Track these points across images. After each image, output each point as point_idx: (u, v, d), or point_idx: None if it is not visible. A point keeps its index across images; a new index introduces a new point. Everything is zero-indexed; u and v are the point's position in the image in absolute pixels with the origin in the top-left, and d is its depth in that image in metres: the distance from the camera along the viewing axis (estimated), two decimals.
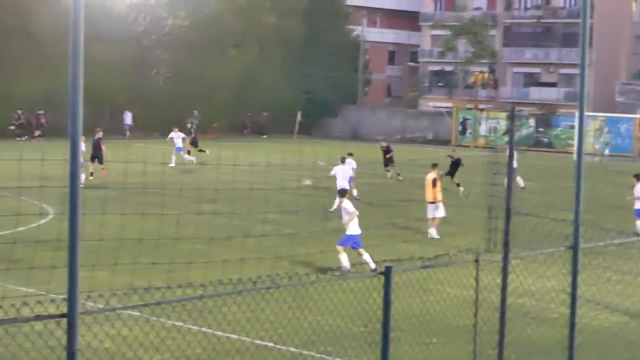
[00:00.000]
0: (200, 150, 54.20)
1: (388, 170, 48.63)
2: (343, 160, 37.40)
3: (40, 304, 9.16)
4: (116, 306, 9.14)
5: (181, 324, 15.99)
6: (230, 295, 10.16)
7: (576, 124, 13.09)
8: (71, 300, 7.61)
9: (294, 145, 61.94)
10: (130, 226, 22.28)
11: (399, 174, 48.07)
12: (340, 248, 23.50)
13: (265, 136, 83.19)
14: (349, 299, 15.88)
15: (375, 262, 22.72)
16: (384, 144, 49.76)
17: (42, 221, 28.63)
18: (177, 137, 52.60)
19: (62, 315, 7.67)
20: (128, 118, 77.26)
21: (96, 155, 42.37)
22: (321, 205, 34.78)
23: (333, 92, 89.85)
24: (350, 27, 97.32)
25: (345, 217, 24.04)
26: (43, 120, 70.60)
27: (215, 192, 29.98)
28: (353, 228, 23.52)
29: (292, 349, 16.17)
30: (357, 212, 23.89)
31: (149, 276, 19.35)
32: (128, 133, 75.83)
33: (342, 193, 25.28)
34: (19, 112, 70.82)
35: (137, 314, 15.98)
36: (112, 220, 22.08)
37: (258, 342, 16.02)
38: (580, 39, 12.46)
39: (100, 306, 9.69)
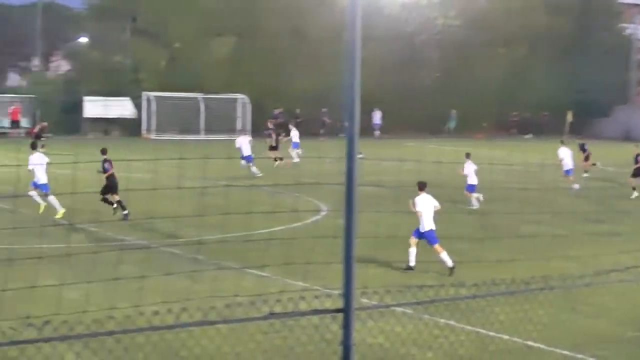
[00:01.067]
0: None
1: (634, 188, 38.47)
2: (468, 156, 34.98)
3: (316, 299, 9.39)
4: (390, 303, 9.24)
5: (453, 322, 15.96)
6: (502, 295, 10.09)
7: None
8: (347, 295, 7.72)
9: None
10: (404, 224, 22.44)
11: None
12: (412, 241, 21.92)
13: (528, 136, 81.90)
14: (619, 303, 15.38)
15: None
16: None
17: (316, 217, 29.34)
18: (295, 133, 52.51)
19: (338, 310, 7.79)
20: (377, 117, 77.45)
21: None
22: (596, 207, 33.83)
23: (604, 92, 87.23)
24: (622, 25, 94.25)
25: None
26: (326, 119, 72.50)
27: (486, 191, 29.79)
28: (427, 223, 21.97)
29: (565, 352, 15.82)
30: (421, 212, 22.07)
31: (422, 274, 19.49)
32: (378, 132, 76.14)
33: (421, 187, 22.86)
34: (276, 111, 72.67)
35: (410, 311, 16.08)
36: (386, 218, 22.31)
37: (530, 343, 15.75)
38: None
39: (375, 302, 9.85)
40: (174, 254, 22.89)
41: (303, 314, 8.31)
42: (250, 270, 20.66)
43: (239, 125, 73.44)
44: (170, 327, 7.93)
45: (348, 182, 7.68)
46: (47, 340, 7.22)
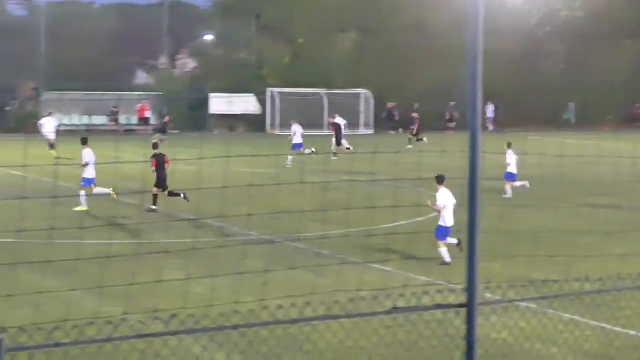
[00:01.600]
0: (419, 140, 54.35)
1: None
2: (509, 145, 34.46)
3: (439, 294, 9.37)
4: (514, 298, 9.16)
5: (578, 317, 15.72)
6: (629, 290, 9.90)
7: None
8: (470, 290, 7.69)
9: None
10: (525, 219, 22.19)
11: None
12: (440, 243, 21.10)
13: None
14: None
15: None
16: None
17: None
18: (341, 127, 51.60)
19: (462, 305, 7.76)
20: (490, 111, 76.34)
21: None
22: None
23: None
24: None
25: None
26: (454, 113, 72.24)
27: (612, 185, 29.25)
28: (448, 219, 21.01)
29: None
30: (440, 208, 21.16)
31: (545, 269, 19.24)
32: (491, 127, 75.07)
33: (440, 181, 22.02)
34: (391, 105, 72.55)
35: (534, 306, 15.90)
36: (509, 212, 22.09)
37: None
38: None
39: (498, 297, 9.76)
40: (298, 249, 23.08)
41: (426, 308, 8.31)
42: (373, 265, 20.69)
43: (362, 121, 73.67)
44: (294, 321, 8.02)
45: (471, 176, 7.65)
46: (173, 333, 7.37)
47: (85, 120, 71.13)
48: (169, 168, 30.00)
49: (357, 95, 74.25)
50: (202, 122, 70.69)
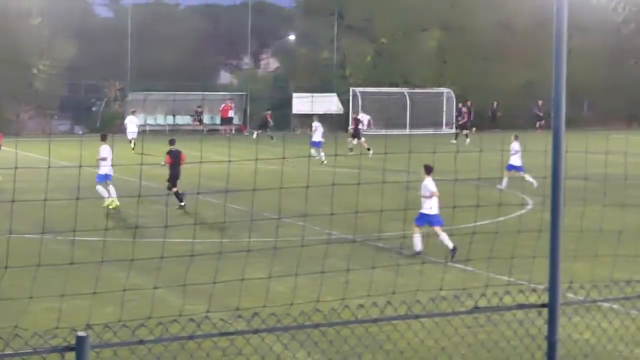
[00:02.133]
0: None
1: None
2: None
3: (521, 293, 9.31)
4: (596, 298, 9.06)
5: None
6: None
7: None
8: (552, 290, 7.64)
9: None
10: (610, 218, 21.89)
11: None
12: (416, 229, 22.75)
13: None
14: None
15: None
16: None
17: (523, 211, 28.97)
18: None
19: (543, 305, 7.72)
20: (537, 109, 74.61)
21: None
22: None
23: None
24: None
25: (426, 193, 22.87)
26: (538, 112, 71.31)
27: None
28: (430, 207, 22.61)
29: None
30: (437, 193, 22.78)
31: (629, 269, 18.97)
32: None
33: (428, 170, 23.39)
34: (496, 104, 71.99)
35: (618, 307, 15.69)
36: (592, 212, 21.83)
37: None
38: None
39: (580, 298, 9.66)
40: (379, 248, 23.08)
41: (508, 308, 8.27)
42: (454, 265, 20.61)
43: (444, 120, 73.40)
44: (374, 321, 8.03)
45: (554, 175, 7.60)
46: (255, 331, 7.44)
47: (169, 120, 71.98)
48: (183, 164, 30.50)
49: (440, 94, 73.95)
50: (285, 121, 71.06)
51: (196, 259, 18.63)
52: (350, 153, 46.60)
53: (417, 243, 22.63)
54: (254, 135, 60.13)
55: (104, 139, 31.73)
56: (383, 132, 66.03)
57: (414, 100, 71.89)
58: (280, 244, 22.10)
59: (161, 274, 18.19)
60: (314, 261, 19.57)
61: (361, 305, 8.49)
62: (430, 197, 22.67)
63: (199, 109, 71.79)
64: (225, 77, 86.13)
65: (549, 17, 7.47)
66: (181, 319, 7.71)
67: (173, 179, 30.34)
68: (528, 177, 33.61)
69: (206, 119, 72.43)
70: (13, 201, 9.80)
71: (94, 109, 72.66)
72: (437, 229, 22.61)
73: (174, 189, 30.17)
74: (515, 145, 34.42)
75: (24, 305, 13.33)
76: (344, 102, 72.58)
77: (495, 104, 72.13)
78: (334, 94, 72.95)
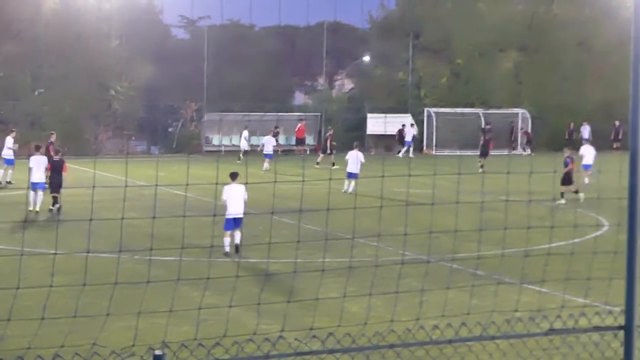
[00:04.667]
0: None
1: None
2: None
3: (597, 315, 9.22)
4: None
5: None
6: None
7: None
8: (629, 312, 7.57)
9: None
10: None
11: None
12: (225, 232, 24.79)
13: None
14: None
15: None
16: None
17: (598, 232, 28.64)
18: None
19: (620, 328, 7.64)
20: (586, 132, 71.38)
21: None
22: None
23: None
24: None
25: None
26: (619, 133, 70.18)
27: None
28: (237, 209, 24.56)
29: None
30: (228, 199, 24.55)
31: None
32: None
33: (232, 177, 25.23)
34: (572, 125, 71.16)
35: None
36: None
37: None
38: None
39: None
40: (454, 269, 22.98)
41: (584, 330, 8.20)
42: (529, 286, 20.44)
43: (519, 140, 72.88)
44: (449, 342, 8.01)
45: (631, 196, 7.53)
46: (330, 351, 7.47)
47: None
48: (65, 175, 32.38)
49: (515, 115, 73.47)
50: (360, 142, 71.14)
51: (271, 278, 18.74)
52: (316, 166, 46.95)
53: (227, 245, 24.82)
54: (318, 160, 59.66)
55: (37, 149, 34.34)
56: (458, 152, 65.80)
57: (487, 121, 71.53)
58: (354, 263, 22.11)
59: (236, 293, 18.33)
60: (389, 281, 19.54)
61: (436, 326, 8.49)
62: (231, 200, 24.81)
63: (277, 130, 72.16)
64: (300, 97, 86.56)
65: (627, 38, 7.41)
66: (256, 338, 7.78)
67: (55, 186, 32.49)
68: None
69: (282, 139, 72.79)
70: (91, 219, 9.97)
71: (170, 129, 73.50)
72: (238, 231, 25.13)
73: (54, 194, 32.39)
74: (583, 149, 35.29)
75: (102, 322, 13.54)
76: (419, 123, 72.48)
77: (571, 124, 71.31)
78: (409, 115, 72.87)
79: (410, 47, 76.69)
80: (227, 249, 24.70)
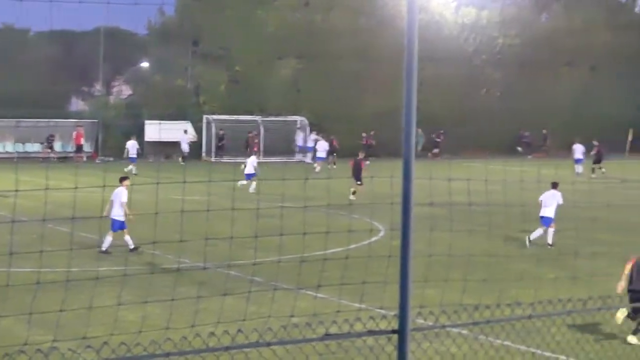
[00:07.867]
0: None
1: None
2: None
3: (372, 320, 9.36)
4: (445, 323, 9.18)
5: (509, 343, 15.80)
6: (559, 316, 9.95)
7: None
8: (402, 316, 7.68)
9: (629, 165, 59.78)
10: (458, 244, 22.31)
11: None
12: (111, 233, 26.86)
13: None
14: None
15: None
16: None
17: (374, 238, 29.26)
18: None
19: (394, 332, 7.75)
20: (579, 152, 70.24)
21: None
22: None
23: None
24: None
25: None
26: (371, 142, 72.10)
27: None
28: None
29: None
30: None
31: (478, 294, 19.34)
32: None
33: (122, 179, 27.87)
34: (367, 134, 72.37)
35: (466, 332, 15.97)
36: (441, 238, 22.22)
37: None
38: None
39: (430, 323, 9.77)
40: (231, 276, 22.96)
41: (359, 335, 8.28)
42: (306, 292, 20.65)
43: (297, 147, 73.89)
44: (226, 349, 7.93)
45: (404, 202, 7.65)
46: None
47: (19, 147, 70.27)
48: None
49: (294, 122, 74.41)
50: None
51: (44, 287, 18.19)
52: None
53: (107, 242, 26.80)
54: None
55: None
56: (237, 160, 66.01)
57: (267, 128, 72.14)
58: (130, 271, 21.76)
59: (7, 303, 17.69)
60: (165, 289, 19.33)
61: (212, 333, 8.40)
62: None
63: (52, 137, 70.35)
64: (76, 104, 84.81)
65: (402, 47, 7.55)
66: (28, 349, 7.50)
67: None
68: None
69: (57, 146, 71.02)
70: None
71: None
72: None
73: None
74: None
75: None
76: (198, 130, 72.29)
77: (363, 133, 72.63)
78: (188, 122, 72.54)
79: (190, 54, 76.42)
80: None
